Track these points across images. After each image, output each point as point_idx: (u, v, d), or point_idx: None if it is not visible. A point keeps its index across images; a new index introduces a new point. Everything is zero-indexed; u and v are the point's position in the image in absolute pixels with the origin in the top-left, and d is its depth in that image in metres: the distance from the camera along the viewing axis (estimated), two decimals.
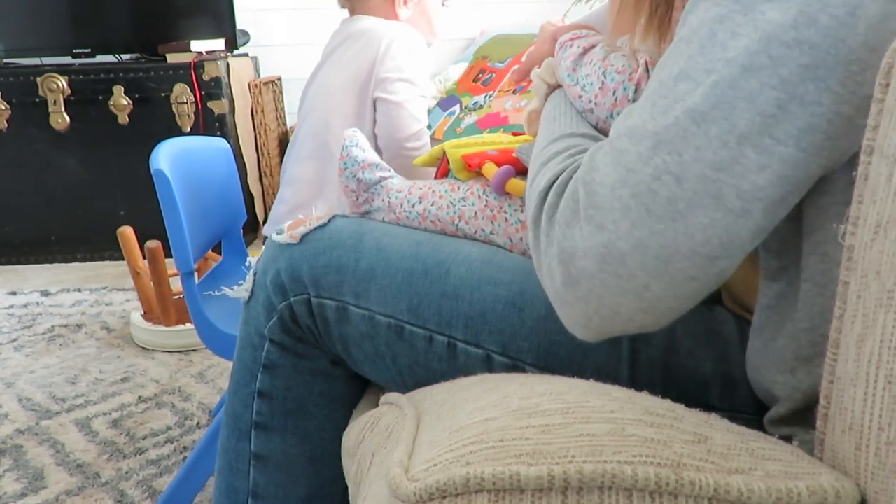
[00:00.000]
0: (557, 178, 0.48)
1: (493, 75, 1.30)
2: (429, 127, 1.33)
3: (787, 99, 0.38)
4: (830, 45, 0.38)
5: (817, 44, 0.38)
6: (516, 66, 1.24)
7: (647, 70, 0.61)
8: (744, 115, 0.39)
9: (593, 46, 0.66)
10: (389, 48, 1.13)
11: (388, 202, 0.76)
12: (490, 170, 0.71)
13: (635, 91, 0.61)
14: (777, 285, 0.48)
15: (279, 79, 2.65)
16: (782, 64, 0.38)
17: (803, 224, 0.44)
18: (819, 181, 0.41)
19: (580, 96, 0.63)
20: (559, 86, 0.69)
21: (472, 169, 0.74)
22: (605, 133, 0.60)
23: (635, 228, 0.41)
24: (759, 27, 0.39)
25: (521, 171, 0.71)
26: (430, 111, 1.37)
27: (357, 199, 0.79)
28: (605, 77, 0.62)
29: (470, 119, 1.24)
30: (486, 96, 1.27)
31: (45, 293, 2.18)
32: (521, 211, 0.71)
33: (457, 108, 1.30)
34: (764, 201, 0.40)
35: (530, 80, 0.94)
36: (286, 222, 0.75)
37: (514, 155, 0.73)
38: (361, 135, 0.80)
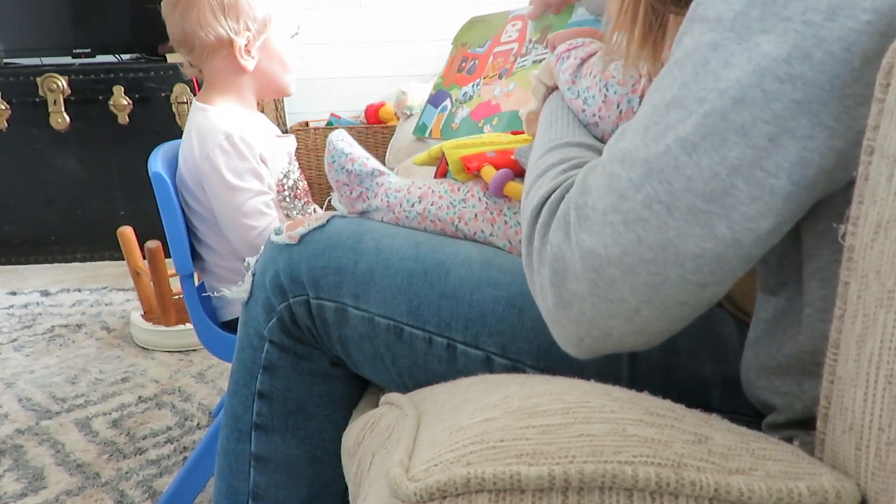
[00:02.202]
0: (550, 196, 0.48)
1: (476, 62, 1.28)
2: (424, 126, 1.32)
3: (779, 133, 0.38)
4: (825, 81, 0.37)
5: (811, 79, 0.37)
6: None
7: (650, 80, 0.60)
8: (735, 148, 0.39)
9: (591, 56, 0.65)
10: (208, 156, 1.08)
11: (387, 202, 0.76)
12: (489, 173, 0.71)
13: (639, 103, 0.60)
14: (776, 299, 0.48)
15: None
16: (775, 98, 0.38)
17: (802, 249, 0.44)
18: (815, 205, 0.41)
19: (583, 110, 0.63)
20: (557, 87, 0.69)
21: (471, 172, 0.74)
22: None
23: (626, 255, 0.42)
24: (752, 59, 0.39)
25: (520, 174, 0.71)
26: (415, 110, 1.35)
27: (351, 192, 0.78)
28: (607, 90, 0.61)
29: (463, 112, 1.22)
30: (473, 85, 1.25)
31: (45, 293, 2.18)
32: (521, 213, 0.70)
33: (447, 102, 1.29)
34: (755, 232, 0.40)
35: (513, 62, 0.92)
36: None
37: (512, 157, 0.72)
38: (346, 133, 0.81)
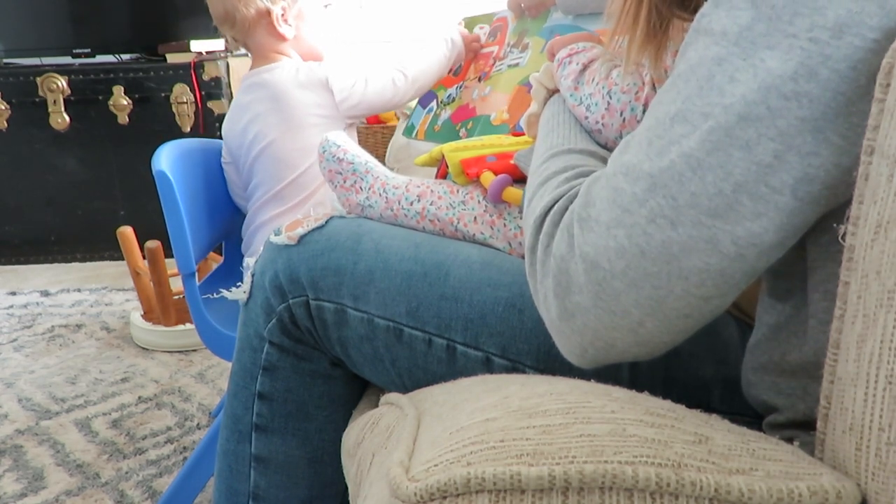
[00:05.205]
0: (553, 206, 0.48)
1: (462, 63, 1.29)
2: (412, 127, 1.33)
3: (784, 150, 0.38)
4: (830, 99, 0.37)
5: (817, 97, 0.37)
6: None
7: (653, 88, 0.60)
8: (739, 164, 0.39)
9: (592, 61, 0.65)
10: (328, 83, 1.20)
11: (386, 197, 0.76)
12: (488, 179, 0.71)
13: (643, 111, 0.60)
14: (782, 306, 0.47)
15: None
16: (780, 116, 0.38)
17: (807, 260, 0.44)
18: (820, 218, 0.41)
19: (586, 117, 0.62)
20: (558, 90, 0.69)
21: (471, 178, 0.74)
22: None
23: (630, 269, 0.42)
24: (758, 76, 0.39)
25: (519, 179, 0.71)
26: (411, 111, 1.37)
27: (344, 181, 0.78)
28: (610, 97, 0.61)
29: (445, 114, 1.23)
30: (457, 87, 1.26)
31: (45, 293, 2.18)
32: (521, 217, 0.70)
33: (434, 103, 1.30)
34: (759, 247, 0.40)
35: (492, 65, 0.91)
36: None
37: (512, 162, 0.72)
38: (343, 134, 0.84)
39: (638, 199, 0.42)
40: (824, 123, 0.37)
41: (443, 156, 0.79)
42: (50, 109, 2.33)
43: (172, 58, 2.35)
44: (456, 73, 1.30)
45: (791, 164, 0.38)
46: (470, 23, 1.33)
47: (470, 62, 1.28)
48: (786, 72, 0.38)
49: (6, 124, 2.35)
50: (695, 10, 0.44)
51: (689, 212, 0.40)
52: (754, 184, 0.39)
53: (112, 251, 2.39)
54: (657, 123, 0.43)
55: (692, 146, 0.40)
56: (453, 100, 1.25)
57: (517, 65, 1.13)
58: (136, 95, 2.34)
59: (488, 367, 0.62)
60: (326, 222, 0.72)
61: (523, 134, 0.82)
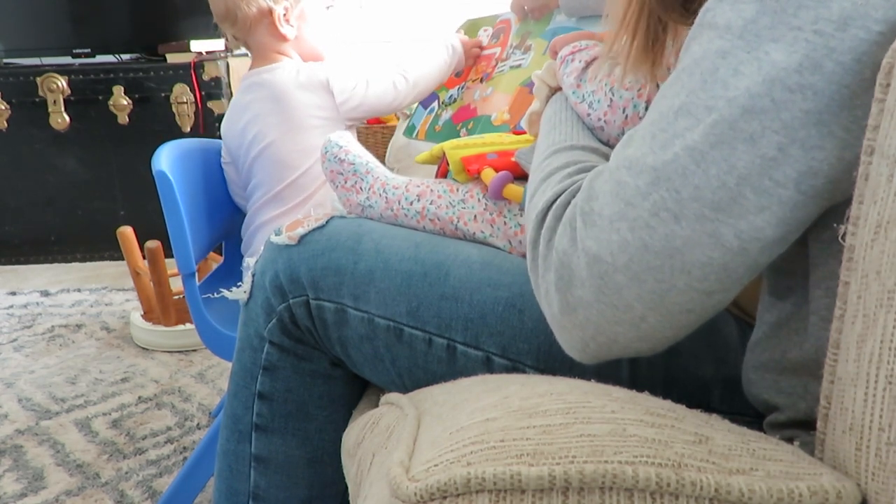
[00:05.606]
0: (556, 200, 0.48)
1: (462, 68, 1.30)
2: (412, 127, 1.33)
3: (788, 143, 0.38)
4: (835, 92, 0.37)
5: (822, 89, 0.37)
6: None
7: (656, 85, 0.60)
8: (743, 157, 0.39)
9: (594, 59, 0.65)
10: (330, 84, 1.20)
11: (386, 197, 0.76)
12: (489, 175, 0.71)
13: (646, 108, 0.60)
14: (782, 304, 0.47)
15: None
16: (785, 108, 0.38)
17: (809, 257, 0.44)
18: (822, 215, 0.41)
19: (588, 114, 0.62)
20: (560, 88, 0.69)
21: (472, 174, 0.74)
22: None
23: (632, 263, 0.41)
24: (762, 68, 0.39)
25: (520, 176, 0.70)
26: (412, 112, 1.37)
27: (345, 182, 0.79)
28: (612, 94, 0.61)
29: (446, 115, 1.24)
30: (459, 88, 1.27)
31: (45, 293, 2.18)
32: (521, 215, 0.70)
33: (435, 104, 1.30)
34: (762, 241, 0.40)
35: (494, 66, 0.90)
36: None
37: (513, 159, 0.72)
38: (348, 133, 0.83)
39: (641, 192, 0.41)
40: (828, 116, 0.37)
41: (443, 153, 0.79)
42: (50, 109, 2.33)
43: (172, 58, 2.35)
44: (458, 74, 1.30)
45: (795, 158, 0.38)
46: (473, 25, 1.33)
47: (471, 66, 1.29)
48: (790, 64, 0.38)
49: (6, 124, 2.35)
50: (694, 13, 0.44)
51: (692, 205, 0.40)
52: (758, 177, 0.39)
53: (112, 251, 2.39)
54: (661, 117, 0.42)
55: (696, 139, 0.40)
56: (455, 100, 1.25)
57: (519, 66, 1.13)
58: (136, 95, 2.34)
59: (488, 366, 0.62)
60: (327, 222, 0.72)
61: (524, 133, 0.82)
